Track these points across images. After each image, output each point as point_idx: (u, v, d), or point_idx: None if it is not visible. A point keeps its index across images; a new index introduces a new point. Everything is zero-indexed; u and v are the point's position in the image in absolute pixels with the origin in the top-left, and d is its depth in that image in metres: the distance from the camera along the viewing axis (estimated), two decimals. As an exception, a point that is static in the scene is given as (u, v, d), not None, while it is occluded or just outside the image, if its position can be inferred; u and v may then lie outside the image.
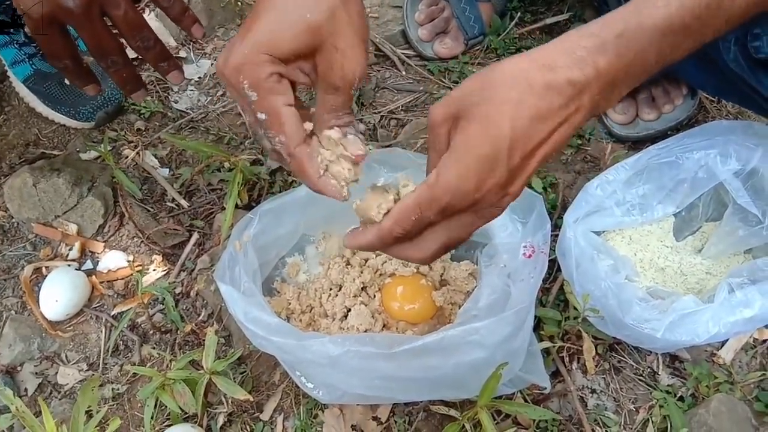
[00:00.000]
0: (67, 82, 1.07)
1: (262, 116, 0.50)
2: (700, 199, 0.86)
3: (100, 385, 0.86)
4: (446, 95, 0.48)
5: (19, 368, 0.90)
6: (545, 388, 0.75)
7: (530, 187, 0.92)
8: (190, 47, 1.24)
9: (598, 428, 0.79)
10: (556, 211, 0.93)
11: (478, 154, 0.44)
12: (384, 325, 0.77)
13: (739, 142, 0.79)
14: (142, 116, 1.14)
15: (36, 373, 0.89)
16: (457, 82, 1.11)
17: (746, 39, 0.65)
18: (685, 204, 0.85)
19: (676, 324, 0.73)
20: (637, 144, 1.01)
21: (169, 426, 0.78)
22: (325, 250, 0.88)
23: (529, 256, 0.70)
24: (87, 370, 0.89)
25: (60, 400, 0.86)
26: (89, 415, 0.67)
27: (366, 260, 0.84)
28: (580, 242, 0.79)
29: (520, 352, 0.68)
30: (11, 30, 1.01)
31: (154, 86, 1.18)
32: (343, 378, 0.68)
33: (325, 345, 0.64)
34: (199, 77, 1.21)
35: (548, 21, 1.15)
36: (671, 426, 0.77)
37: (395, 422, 0.78)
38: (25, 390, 0.88)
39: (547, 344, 0.79)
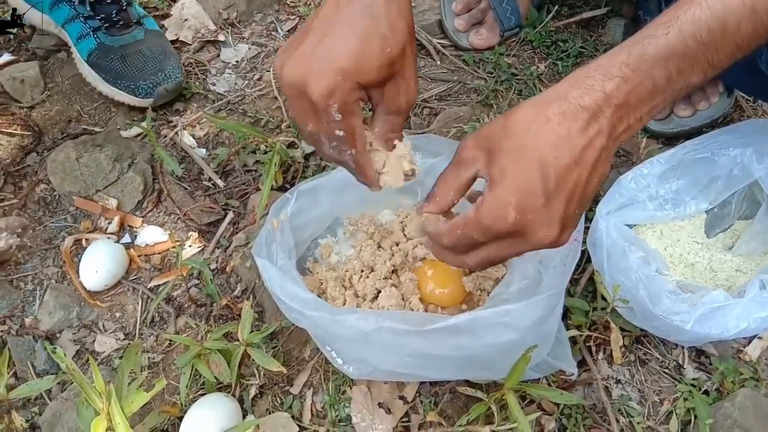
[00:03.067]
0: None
1: (340, 133, 0.55)
2: (733, 197, 0.86)
3: (136, 354, 0.89)
4: (476, 132, 0.53)
5: (58, 335, 0.93)
6: (572, 375, 0.76)
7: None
8: (229, 31, 1.27)
9: (621, 417, 0.80)
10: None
11: (513, 185, 0.49)
12: (412, 309, 0.79)
13: (776, 140, 0.80)
14: (182, 97, 1.16)
15: (74, 340, 0.92)
16: (491, 73, 1.12)
17: None
18: (718, 201, 0.86)
19: (706, 317, 0.73)
20: (671, 140, 1.02)
21: (203, 395, 0.80)
22: (355, 231, 0.90)
23: (562, 243, 0.71)
24: (123, 340, 0.92)
25: (98, 366, 0.89)
26: (132, 378, 0.70)
27: (397, 243, 0.86)
28: (612, 234, 0.80)
29: (550, 336, 0.70)
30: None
31: (193, 68, 1.21)
32: (374, 353, 0.70)
33: (358, 321, 0.66)
34: (237, 61, 1.23)
35: (585, 15, 1.15)
36: (695, 418, 0.78)
37: (421, 402, 0.80)
38: (64, 356, 0.91)
39: (574, 333, 0.80)
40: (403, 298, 0.80)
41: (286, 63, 0.54)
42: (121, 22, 1.09)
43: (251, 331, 0.79)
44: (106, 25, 1.09)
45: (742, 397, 0.76)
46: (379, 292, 0.82)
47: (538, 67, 1.12)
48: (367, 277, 0.84)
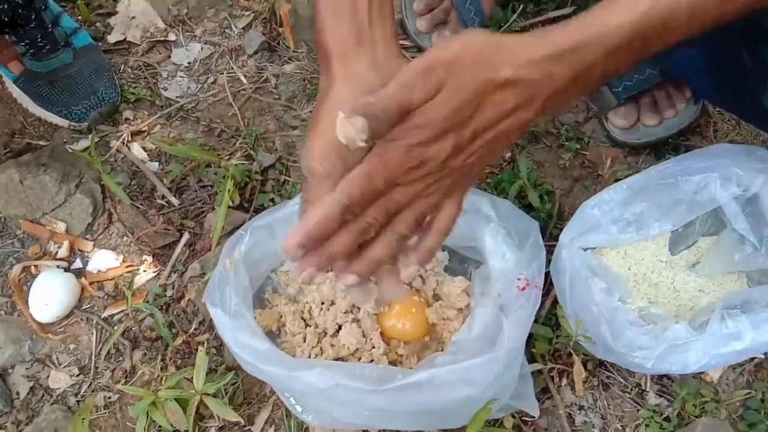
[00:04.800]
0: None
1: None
2: (697, 218, 0.85)
3: (92, 391, 0.87)
4: (453, 41, 0.49)
5: (10, 370, 0.90)
6: (534, 417, 0.75)
7: (527, 204, 0.91)
8: (180, 29, 1.20)
9: (584, 446, 0.80)
10: (552, 222, 0.92)
11: (451, 106, 0.48)
12: (374, 346, 0.77)
13: (742, 166, 0.78)
14: (128, 103, 1.10)
15: (27, 376, 0.89)
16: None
17: None
18: (681, 223, 0.84)
19: (667, 353, 0.73)
20: (636, 149, 0.99)
21: (160, 439, 0.79)
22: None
23: (523, 289, 0.70)
24: (78, 375, 0.89)
25: (51, 405, 0.86)
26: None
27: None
28: (575, 263, 0.78)
29: (511, 385, 0.69)
30: (11, 30, 0.97)
31: (143, 71, 1.15)
32: (332, 407, 0.68)
33: (315, 377, 0.64)
34: (189, 62, 1.16)
35: (551, 15, 1.10)
36: (656, 447, 0.78)
37: (385, 437, 0.80)
38: (17, 393, 0.88)
39: (538, 366, 0.79)
40: (364, 335, 0.78)
41: None
42: (47, 47, 1.03)
43: (209, 371, 0.77)
44: (31, 50, 1.02)
45: (701, 427, 0.76)
46: (340, 327, 0.80)
47: (503, 71, 1.07)
48: (328, 310, 0.81)
